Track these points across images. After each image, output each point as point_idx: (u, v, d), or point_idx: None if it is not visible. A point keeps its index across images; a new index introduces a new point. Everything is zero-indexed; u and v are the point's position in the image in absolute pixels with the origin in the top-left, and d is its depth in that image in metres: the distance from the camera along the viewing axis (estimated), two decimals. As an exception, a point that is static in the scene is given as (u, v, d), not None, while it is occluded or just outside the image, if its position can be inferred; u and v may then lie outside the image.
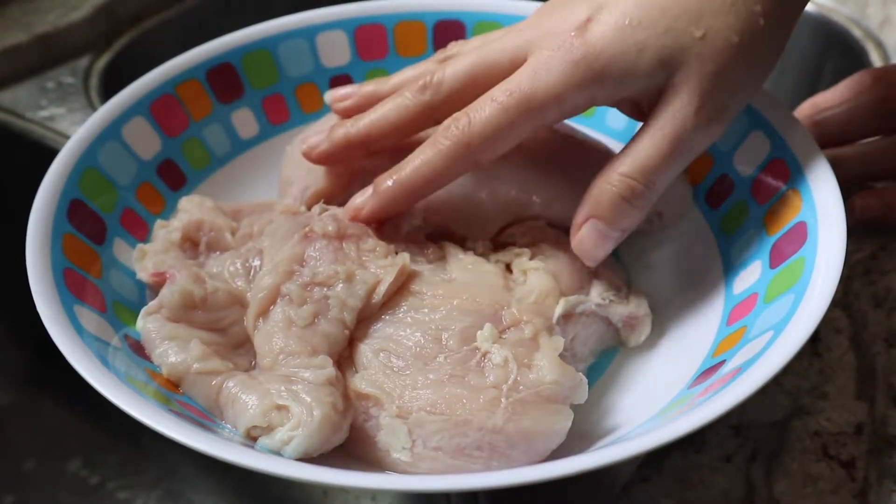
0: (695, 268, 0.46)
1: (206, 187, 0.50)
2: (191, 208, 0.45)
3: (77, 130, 0.45)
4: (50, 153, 0.62)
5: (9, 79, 0.68)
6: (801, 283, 0.37)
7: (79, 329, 0.36)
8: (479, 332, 0.38)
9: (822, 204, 0.40)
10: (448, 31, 0.55)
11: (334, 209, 0.44)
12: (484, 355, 0.38)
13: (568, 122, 0.53)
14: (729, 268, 0.44)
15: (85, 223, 0.42)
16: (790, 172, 0.43)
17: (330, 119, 0.50)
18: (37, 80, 0.68)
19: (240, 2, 0.85)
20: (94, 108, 0.66)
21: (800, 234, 0.40)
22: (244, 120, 0.53)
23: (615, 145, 0.52)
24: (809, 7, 0.80)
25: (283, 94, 0.54)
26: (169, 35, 0.78)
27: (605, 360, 0.44)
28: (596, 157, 0.47)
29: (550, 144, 0.46)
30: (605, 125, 0.53)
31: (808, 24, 0.78)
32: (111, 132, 0.46)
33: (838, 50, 0.77)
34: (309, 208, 0.47)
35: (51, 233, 0.40)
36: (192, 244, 0.44)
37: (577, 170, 0.46)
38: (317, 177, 0.48)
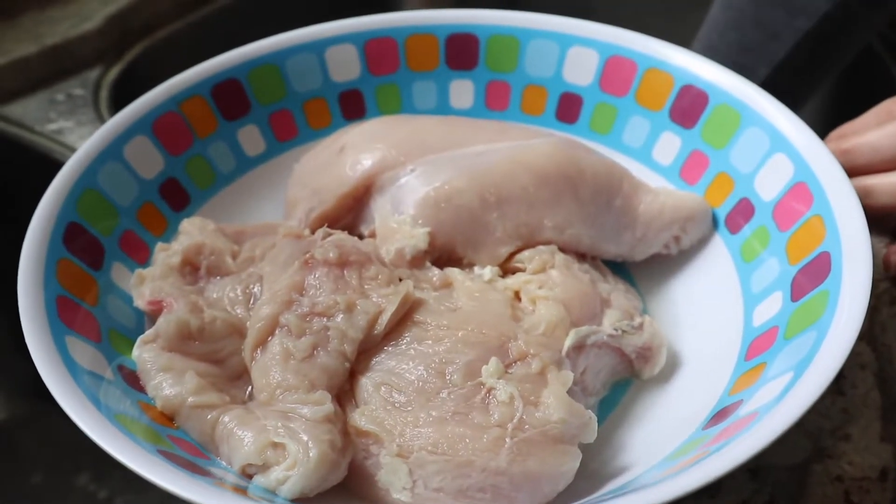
0: (713, 295, 0.44)
1: (211, 207, 0.49)
2: (192, 231, 0.44)
3: (76, 151, 0.44)
4: (57, 167, 0.62)
5: (18, 91, 0.67)
6: (824, 320, 0.35)
7: (69, 363, 0.35)
8: (484, 367, 0.37)
9: (848, 234, 0.38)
10: (461, 44, 0.54)
11: (338, 234, 0.43)
12: (489, 391, 0.36)
13: (582, 139, 0.52)
14: (748, 297, 0.42)
15: (82, 248, 0.41)
16: (814, 198, 0.41)
17: (340, 135, 0.49)
18: (46, 93, 0.67)
19: (252, 11, 0.84)
20: (102, 122, 0.65)
21: (823, 266, 0.38)
22: (250, 137, 0.51)
23: (631, 163, 0.50)
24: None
25: (291, 110, 0.53)
26: (181, 45, 0.77)
27: (617, 392, 0.42)
28: (608, 181, 0.45)
29: (563, 167, 0.44)
30: (621, 142, 0.51)
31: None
32: (112, 152, 0.45)
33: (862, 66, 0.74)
34: (313, 231, 0.46)
35: (45, 259, 0.39)
36: (193, 268, 0.43)
37: (590, 193, 0.45)
38: (322, 198, 0.46)
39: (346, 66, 0.53)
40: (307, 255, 0.40)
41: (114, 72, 0.71)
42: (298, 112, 0.53)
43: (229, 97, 0.51)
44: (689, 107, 0.48)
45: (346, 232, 0.44)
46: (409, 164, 0.45)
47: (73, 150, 0.62)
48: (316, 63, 0.53)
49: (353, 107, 0.54)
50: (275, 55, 0.52)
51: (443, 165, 0.44)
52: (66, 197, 0.42)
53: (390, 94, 0.54)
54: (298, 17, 0.89)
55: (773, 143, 0.44)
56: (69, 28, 0.70)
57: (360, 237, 0.46)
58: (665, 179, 0.49)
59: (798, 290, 0.39)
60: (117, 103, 0.68)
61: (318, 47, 0.53)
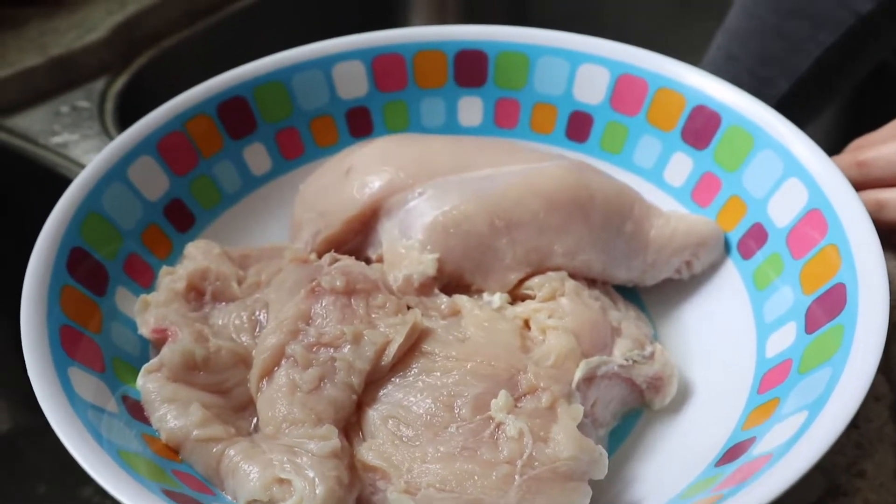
0: (725, 323, 0.43)
1: (216, 228, 0.49)
2: (197, 255, 0.43)
3: (80, 172, 0.44)
4: (62, 181, 0.61)
5: (23, 102, 0.67)
6: (839, 357, 0.34)
7: (72, 397, 0.34)
8: (493, 401, 0.36)
9: (864, 268, 0.37)
10: (469, 61, 0.53)
11: (345, 260, 0.42)
12: (498, 426, 0.36)
13: (592, 159, 0.51)
14: (761, 326, 0.41)
15: (86, 274, 0.41)
16: (829, 226, 0.40)
17: (346, 156, 0.48)
18: (51, 104, 0.67)
19: (260, 19, 0.83)
20: (108, 135, 0.64)
21: (838, 298, 0.37)
22: (256, 155, 0.51)
23: (642, 183, 0.50)
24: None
25: (298, 128, 0.52)
26: (188, 55, 0.77)
27: (627, 423, 0.41)
28: (619, 206, 0.45)
29: (573, 191, 0.43)
30: (632, 163, 0.50)
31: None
32: (116, 173, 0.45)
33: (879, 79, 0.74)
34: (320, 254, 0.45)
35: (48, 287, 0.38)
36: (198, 293, 0.42)
37: (601, 218, 0.44)
38: (328, 221, 0.46)
39: (353, 83, 0.53)
40: (314, 283, 0.40)
41: (119, 83, 0.70)
42: (305, 130, 0.52)
43: (235, 115, 0.50)
44: (701, 128, 0.48)
45: (353, 257, 0.43)
46: (417, 186, 0.44)
47: (77, 163, 0.62)
48: (323, 80, 0.52)
49: (360, 124, 0.53)
50: (281, 72, 0.51)
51: (451, 189, 0.43)
52: (70, 221, 0.41)
53: (398, 112, 0.53)
54: (306, 25, 0.89)
55: (787, 168, 0.43)
56: (74, 39, 0.70)
57: (368, 261, 0.45)
58: (676, 201, 0.49)
59: (812, 322, 0.38)
60: (122, 115, 0.67)
61: (325, 64, 0.52)
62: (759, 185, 0.45)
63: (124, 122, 0.67)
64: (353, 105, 0.53)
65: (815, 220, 0.41)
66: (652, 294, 0.47)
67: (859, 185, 0.48)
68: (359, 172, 0.46)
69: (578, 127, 0.52)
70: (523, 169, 0.44)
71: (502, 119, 0.54)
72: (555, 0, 0.93)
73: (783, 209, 0.43)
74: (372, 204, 0.44)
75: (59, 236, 0.40)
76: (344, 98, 0.53)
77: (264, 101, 0.51)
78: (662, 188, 0.49)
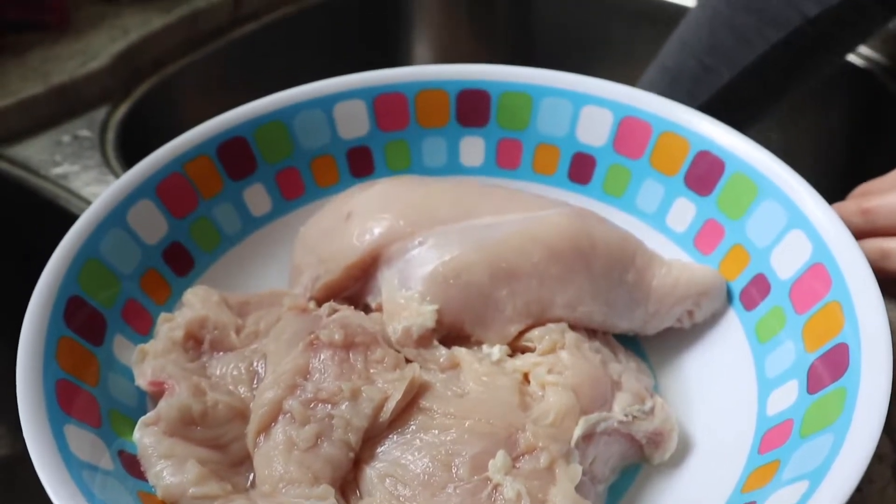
0: (726, 376, 0.43)
1: (216, 270, 0.48)
2: (195, 303, 0.43)
3: (79, 218, 0.43)
4: (62, 213, 0.61)
5: (23, 132, 0.67)
6: (841, 423, 0.34)
7: (67, 458, 0.34)
8: (491, 462, 0.36)
9: (867, 328, 0.37)
10: (472, 101, 0.53)
11: (343, 311, 0.42)
12: (495, 488, 0.35)
13: (595, 201, 0.51)
14: (763, 382, 0.41)
15: (83, 323, 0.41)
16: (832, 282, 0.40)
17: (346, 199, 0.48)
18: (52, 134, 0.67)
19: (262, 46, 0.83)
20: (108, 165, 0.64)
21: (841, 358, 0.37)
22: (256, 196, 0.51)
23: (644, 228, 0.49)
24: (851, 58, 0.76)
25: (298, 168, 0.52)
26: (190, 82, 0.77)
27: (626, 478, 0.41)
28: (621, 255, 0.44)
29: (575, 240, 0.43)
30: (634, 206, 0.50)
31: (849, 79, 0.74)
32: (115, 219, 0.44)
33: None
34: (319, 301, 0.45)
35: (45, 340, 0.38)
36: (196, 342, 0.42)
37: (603, 268, 0.44)
38: (328, 268, 0.45)
39: (354, 123, 0.52)
40: (312, 336, 0.40)
41: (121, 111, 0.70)
42: (306, 170, 0.52)
43: (235, 156, 0.50)
44: (704, 173, 0.47)
45: (352, 306, 0.43)
46: (418, 235, 0.44)
47: (77, 196, 0.62)
48: (324, 119, 0.52)
49: (361, 164, 0.53)
50: (282, 112, 0.51)
51: (452, 238, 0.43)
52: (68, 269, 0.41)
53: (400, 151, 0.53)
54: (308, 50, 0.89)
55: (791, 219, 0.43)
56: (77, 66, 0.70)
57: (367, 308, 0.45)
58: (679, 247, 0.48)
59: (814, 381, 0.38)
60: (124, 145, 0.67)
61: (326, 103, 0.52)
62: (762, 236, 0.44)
63: (125, 151, 0.67)
64: (354, 145, 0.53)
65: (819, 274, 0.41)
66: (653, 343, 0.46)
67: (863, 234, 0.48)
68: (359, 218, 0.45)
69: (581, 169, 0.52)
70: (525, 217, 0.44)
71: (504, 160, 0.53)
72: (560, 36, 0.93)
73: (786, 261, 0.43)
74: (372, 252, 0.44)
75: (56, 286, 0.40)
76: (345, 138, 0.52)
77: (265, 141, 0.51)
78: (665, 233, 0.49)
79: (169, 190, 0.47)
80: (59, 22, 0.75)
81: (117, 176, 0.63)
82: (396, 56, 0.96)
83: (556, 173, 0.52)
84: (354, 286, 0.46)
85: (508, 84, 0.52)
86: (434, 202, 0.45)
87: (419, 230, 0.44)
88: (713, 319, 0.46)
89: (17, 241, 0.66)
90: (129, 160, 0.66)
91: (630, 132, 0.50)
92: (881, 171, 0.52)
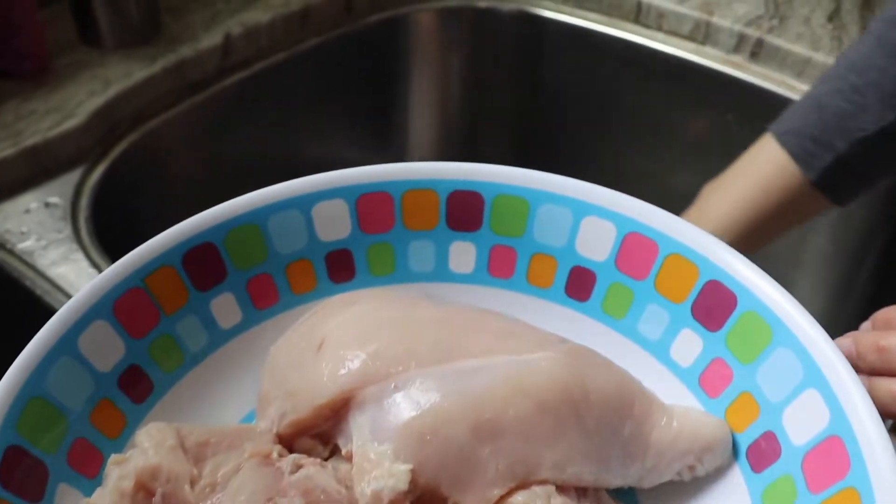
0: (730, 547, 0.39)
1: (177, 393, 0.45)
2: (148, 448, 0.39)
3: (22, 352, 0.39)
4: (26, 295, 0.57)
5: (-10, 198, 0.63)
6: None
7: None
8: None
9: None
10: (463, 203, 0.49)
11: (308, 469, 0.38)
12: None
13: (594, 321, 0.47)
14: (771, 564, 0.37)
15: (22, 479, 0.37)
16: (851, 464, 0.36)
17: (321, 321, 0.44)
18: (20, 201, 0.63)
19: (248, 96, 0.79)
20: (78, 239, 0.60)
21: (860, 563, 0.33)
22: (225, 307, 0.47)
23: (645, 358, 0.45)
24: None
25: (272, 274, 0.48)
26: (171, 137, 0.73)
27: None
28: (618, 405, 0.40)
29: (567, 390, 0.39)
30: (636, 331, 0.46)
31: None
32: (65, 347, 0.40)
33: None
34: (285, 440, 0.41)
35: (-28, 510, 0.34)
36: (147, 494, 0.38)
37: (596, 420, 0.40)
38: (296, 404, 0.41)
39: (335, 224, 0.48)
40: (271, 503, 0.36)
41: (96, 173, 0.67)
42: (280, 276, 0.48)
43: (203, 264, 0.46)
44: (714, 306, 0.43)
45: (318, 460, 0.39)
46: (394, 378, 0.40)
47: (42, 276, 0.58)
48: (302, 221, 0.48)
49: (341, 269, 0.49)
50: (256, 213, 0.47)
51: (430, 385, 0.39)
52: (6, 415, 0.37)
53: (383, 255, 0.49)
54: (299, 99, 0.84)
55: (807, 375, 0.39)
56: (52, 125, 0.66)
57: (336, 449, 0.41)
58: (683, 384, 0.44)
59: (829, 583, 0.34)
60: (97, 214, 0.64)
61: (304, 203, 0.48)
62: (774, 388, 0.40)
63: (99, 219, 0.63)
64: (334, 248, 0.48)
65: (836, 450, 0.36)
66: (648, 495, 0.42)
67: (877, 372, 0.44)
68: (331, 350, 0.42)
69: (580, 284, 0.48)
70: (513, 361, 0.40)
71: (497, 268, 0.49)
72: (567, 93, 0.89)
73: (800, 425, 0.38)
74: (343, 395, 0.40)
75: (-10, 437, 0.36)
76: (324, 240, 0.48)
77: (236, 246, 0.46)
78: (668, 366, 0.45)
79: (127, 308, 0.43)
80: (38, 70, 0.70)
81: (86, 253, 0.59)
82: (393, 102, 0.92)
83: (552, 286, 0.48)
84: (324, 425, 0.42)
85: (504, 187, 0.48)
86: (414, 337, 0.41)
87: (396, 373, 0.40)
88: (717, 474, 0.41)
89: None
90: (101, 230, 0.62)
91: (634, 250, 0.46)
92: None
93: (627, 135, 0.89)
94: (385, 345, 0.41)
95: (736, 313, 0.42)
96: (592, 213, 0.47)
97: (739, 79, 0.79)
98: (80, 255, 0.59)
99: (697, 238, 0.44)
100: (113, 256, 0.61)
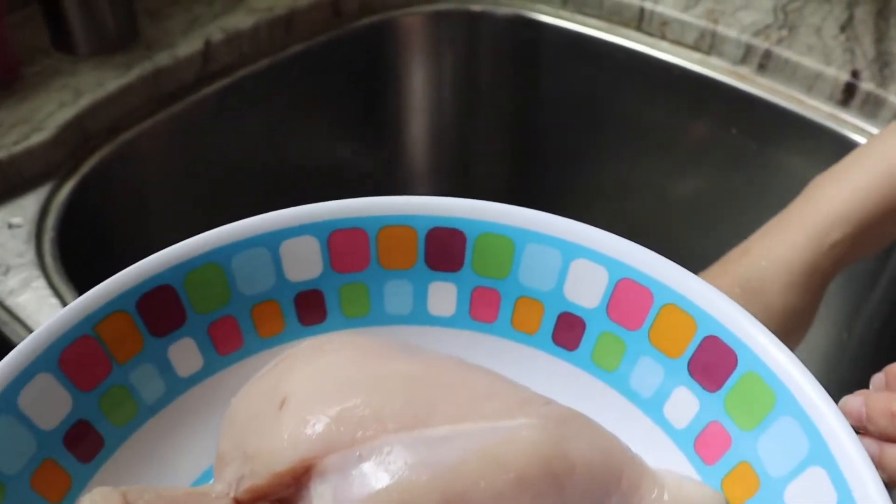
0: None
1: (129, 449, 0.41)
2: (91, 518, 0.36)
3: (-46, 413, 0.36)
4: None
5: (-52, 221, 0.59)
6: None
7: None
8: None
9: None
10: (443, 241, 0.45)
11: (262, 549, 0.35)
12: None
13: (583, 372, 0.44)
14: None
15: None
16: (860, 556, 0.32)
17: (284, 373, 0.40)
18: (-19, 223, 0.59)
19: (234, 101, 0.75)
20: (42, 265, 0.57)
21: None
22: (184, 353, 0.43)
23: (638, 415, 0.42)
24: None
25: (236, 317, 0.44)
26: (147, 149, 0.69)
27: None
28: (604, 478, 0.37)
29: (548, 462, 0.36)
30: (627, 386, 0.43)
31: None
32: (4, 404, 0.37)
33: None
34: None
35: None
36: (87, 570, 0.35)
37: (579, 495, 0.36)
38: (254, 468, 0.38)
39: (305, 263, 0.45)
40: (217, 591, 0.32)
41: (65, 190, 0.63)
42: (245, 319, 0.44)
43: (160, 309, 0.42)
44: (712, 364, 0.40)
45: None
46: (359, 446, 0.36)
47: (1, 305, 0.54)
48: (269, 260, 0.44)
49: (311, 310, 0.45)
50: (218, 252, 0.43)
51: (398, 455, 0.36)
52: (-68, 486, 0.34)
53: (357, 296, 0.46)
54: (283, 106, 0.81)
55: (813, 451, 0.35)
56: (18, 139, 0.62)
57: (299, 517, 0.38)
58: (677, 447, 0.41)
59: None
60: (63, 236, 0.60)
61: (271, 241, 0.44)
62: (776, 461, 0.36)
63: (64, 245, 0.60)
64: (303, 288, 0.45)
65: (844, 538, 0.33)
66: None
67: (888, 438, 0.40)
68: (293, 410, 0.38)
69: (568, 331, 0.44)
70: (489, 431, 0.36)
71: (479, 311, 0.46)
72: (567, 103, 0.85)
73: (805, 506, 0.35)
74: (304, 462, 0.37)
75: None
76: (293, 280, 0.45)
77: (196, 288, 0.43)
78: (662, 426, 0.41)
79: (75, 358, 0.40)
80: (7, 79, 0.67)
81: (48, 280, 0.56)
82: (383, 109, 0.88)
83: (538, 332, 0.45)
84: (284, 492, 0.38)
85: (487, 224, 0.45)
86: (384, 398, 0.38)
87: (362, 439, 0.36)
88: (712, 549, 0.38)
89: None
90: (67, 253, 0.59)
91: (627, 297, 0.42)
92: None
93: (626, 145, 0.85)
94: (351, 406, 0.38)
95: (736, 373, 0.39)
96: (583, 256, 0.43)
97: (745, 91, 0.75)
98: (41, 283, 0.55)
99: (696, 288, 0.41)
100: (79, 281, 0.57)
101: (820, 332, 0.79)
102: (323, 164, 0.85)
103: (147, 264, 0.42)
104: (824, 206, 0.58)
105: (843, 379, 0.78)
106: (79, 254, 0.60)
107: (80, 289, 0.56)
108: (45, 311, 0.53)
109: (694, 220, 0.85)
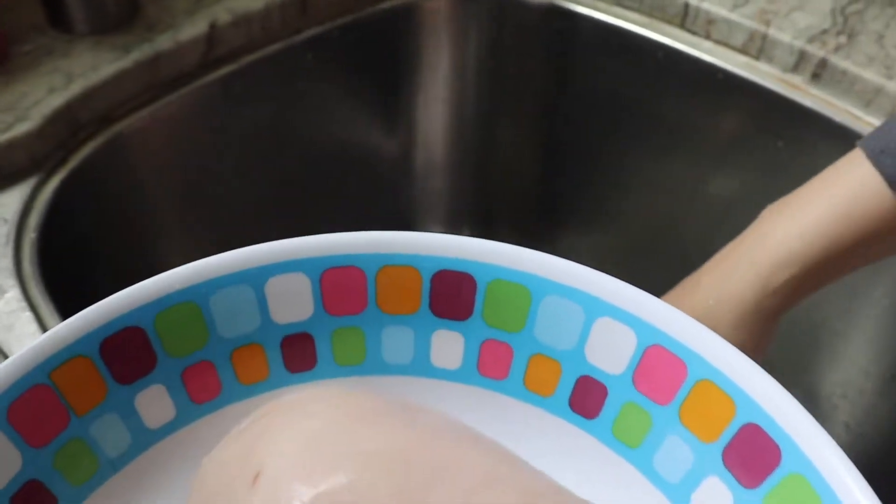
0: None
1: (88, 511, 0.37)
2: None
3: None
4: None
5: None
6: None
7: None
8: None
9: None
10: (451, 285, 0.40)
11: None
12: None
13: (603, 446, 0.39)
14: None
15: None
16: None
17: (259, 439, 0.36)
18: (-44, 223, 0.55)
19: (240, 89, 0.70)
20: (19, 274, 0.52)
21: None
22: (154, 402, 0.39)
23: (662, 502, 0.37)
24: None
25: (213, 362, 0.40)
26: (144, 141, 0.64)
27: None
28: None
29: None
30: (651, 467, 0.37)
31: None
32: (-62, 467, 0.33)
33: None
34: None
35: None
36: None
37: None
38: (222, 549, 0.33)
39: (294, 304, 0.40)
40: None
41: (51, 185, 0.59)
42: (224, 364, 0.40)
43: (127, 353, 0.38)
44: (751, 456, 0.34)
45: None
46: (338, 541, 0.31)
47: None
48: (252, 299, 0.39)
49: (299, 356, 0.41)
50: (195, 290, 0.39)
51: (382, 556, 0.31)
52: None
53: (351, 342, 0.41)
54: (294, 95, 0.75)
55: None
56: (2, 129, 0.57)
57: None
58: (706, 545, 0.35)
59: None
60: (46, 237, 0.55)
61: (256, 278, 0.39)
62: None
63: (46, 247, 0.55)
64: (291, 332, 0.40)
65: None
66: None
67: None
68: (267, 489, 0.33)
69: (587, 397, 0.39)
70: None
71: (488, 366, 0.41)
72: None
73: None
74: (275, 554, 0.32)
75: None
76: (280, 322, 0.40)
77: (169, 329, 0.38)
78: (689, 519, 0.36)
79: (27, 410, 0.35)
80: (-7, 58, 0.62)
81: (24, 289, 0.52)
82: (403, 99, 0.82)
83: (553, 395, 0.40)
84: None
85: (502, 270, 0.39)
86: (370, 482, 0.33)
87: (341, 532, 0.32)
88: None
89: None
90: (50, 257, 0.54)
91: (657, 367, 0.37)
92: None
93: (659, 148, 0.79)
94: (331, 490, 0.33)
95: (779, 472, 0.33)
96: (609, 314, 0.38)
97: (796, 102, 0.68)
98: (16, 293, 0.51)
99: (736, 365, 0.35)
100: (59, 292, 0.53)
101: (868, 374, 0.74)
102: (336, 158, 0.80)
103: (112, 303, 0.37)
104: (772, 244, 0.57)
105: None
106: (62, 259, 0.56)
107: (59, 301, 0.52)
108: (17, 329, 0.49)
109: (725, 222, 0.79)
